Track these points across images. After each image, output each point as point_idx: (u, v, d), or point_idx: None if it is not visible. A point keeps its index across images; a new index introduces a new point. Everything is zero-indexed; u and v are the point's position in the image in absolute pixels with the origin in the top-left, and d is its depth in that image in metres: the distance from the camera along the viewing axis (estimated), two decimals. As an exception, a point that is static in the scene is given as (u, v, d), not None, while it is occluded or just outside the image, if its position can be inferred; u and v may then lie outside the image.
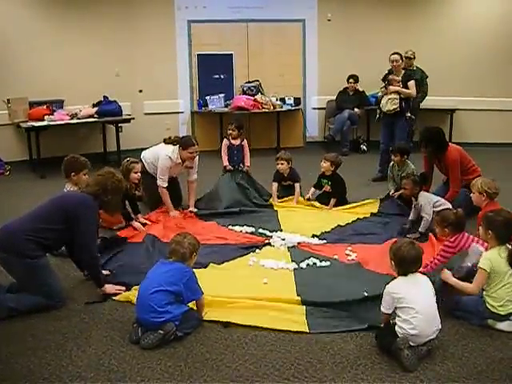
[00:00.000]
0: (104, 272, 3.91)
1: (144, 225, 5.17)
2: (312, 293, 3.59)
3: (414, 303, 2.91)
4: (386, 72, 7.16)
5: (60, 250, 4.20)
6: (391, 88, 6.93)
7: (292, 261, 4.28)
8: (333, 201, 5.78)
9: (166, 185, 5.50)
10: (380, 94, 7.22)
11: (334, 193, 5.86)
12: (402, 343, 2.86)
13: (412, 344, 2.88)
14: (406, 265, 3.04)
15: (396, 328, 2.96)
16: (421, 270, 3.20)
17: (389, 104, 6.94)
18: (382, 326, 3.12)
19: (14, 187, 7.14)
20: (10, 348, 3.09)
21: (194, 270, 3.39)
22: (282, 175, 6.09)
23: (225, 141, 6.27)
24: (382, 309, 3.04)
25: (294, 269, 4.10)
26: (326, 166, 5.86)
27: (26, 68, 8.03)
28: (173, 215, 5.48)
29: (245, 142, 6.29)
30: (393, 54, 7.07)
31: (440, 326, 2.99)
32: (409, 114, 6.95)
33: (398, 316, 2.96)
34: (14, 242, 3.42)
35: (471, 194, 4.43)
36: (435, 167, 5.55)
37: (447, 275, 3.44)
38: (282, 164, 6.01)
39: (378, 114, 7.22)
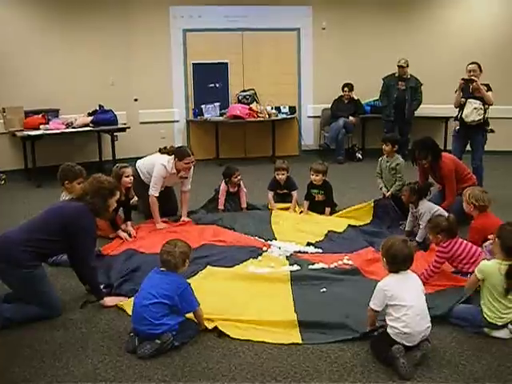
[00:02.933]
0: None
1: (130, 235, 5.10)
2: (309, 310, 3.54)
3: (405, 300, 2.93)
4: (462, 81, 6.37)
5: (56, 260, 4.19)
6: (476, 85, 6.18)
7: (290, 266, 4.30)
8: (328, 210, 5.79)
9: (157, 194, 5.42)
10: (462, 100, 6.38)
11: (327, 201, 5.84)
12: (397, 352, 2.86)
13: (406, 344, 2.89)
14: (397, 262, 3.04)
15: (388, 330, 2.96)
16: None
17: (474, 114, 6.27)
18: (369, 329, 3.13)
19: (9, 196, 7.12)
20: (5, 357, 3.08)
21: (193, 274, 3.35)
22: (279, 184, 6.08)
23: (223, 186, 5.97)
24: (372, 305, 3.03)
25: (291, 280, 4.05)
26: (319, 178, 5.76)
27: (21, 77, 8.04)
28: (159, 228, 5.38)
29: (241, 184, 6.05)
30: (471, 63, 6.37)
31: (430, 324, 3.00)
32: (490, 127, 6.38)
33: (390, 314, 2.97)
34: (10, 252, 3.41)
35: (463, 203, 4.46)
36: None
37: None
38: (282, 174, 5.99)
39: (456, 125, 6.50)
